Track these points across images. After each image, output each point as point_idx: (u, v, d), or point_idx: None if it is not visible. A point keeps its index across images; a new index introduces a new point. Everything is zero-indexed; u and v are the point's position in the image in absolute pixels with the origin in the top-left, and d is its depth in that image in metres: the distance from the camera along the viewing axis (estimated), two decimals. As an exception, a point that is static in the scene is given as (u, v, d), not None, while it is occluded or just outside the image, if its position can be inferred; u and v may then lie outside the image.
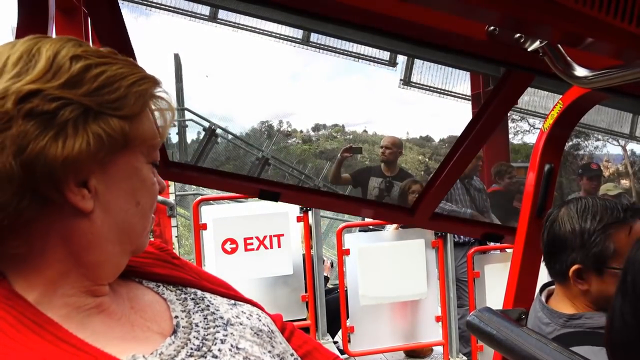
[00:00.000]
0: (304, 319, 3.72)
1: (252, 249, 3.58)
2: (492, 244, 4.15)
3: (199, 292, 0.71)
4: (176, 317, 0.66)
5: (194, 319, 0.66)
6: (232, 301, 0.72)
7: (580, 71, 0.98)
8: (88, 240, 0.59)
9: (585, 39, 0.92)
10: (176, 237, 4.44)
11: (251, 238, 3.58)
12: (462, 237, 4.11)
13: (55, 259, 0.58)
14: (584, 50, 0.94)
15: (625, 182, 16.96)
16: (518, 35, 1.01)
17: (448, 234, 3.82)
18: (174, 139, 10.95)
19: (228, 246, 3.56)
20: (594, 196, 1.34)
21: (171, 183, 4.48)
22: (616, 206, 1.24)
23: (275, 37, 8.54)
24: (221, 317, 0.67)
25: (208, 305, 0.68)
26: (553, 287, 1.32)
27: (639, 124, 9.69)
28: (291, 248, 3.67)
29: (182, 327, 0.64)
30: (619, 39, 0.90)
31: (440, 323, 3.85)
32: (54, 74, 0.56)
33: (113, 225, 0.60)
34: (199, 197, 3.87)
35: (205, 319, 0.66)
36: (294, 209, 3.71)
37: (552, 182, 1.49)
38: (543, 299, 1.30)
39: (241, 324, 0.68)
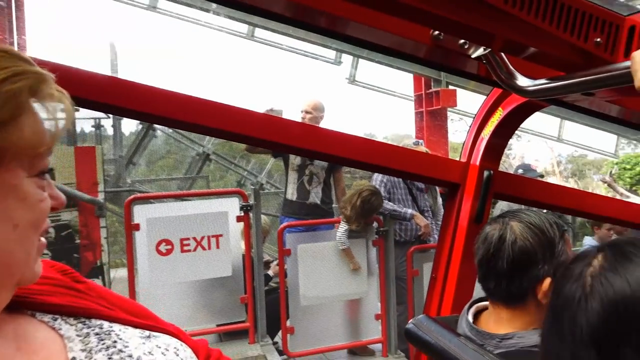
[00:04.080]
0: (243, 321, 3.63)
1: (189, 250, 3.44)
2: (432, 243, 4.24)
3: (106, 325, 0.61)
4: (73, 358, 0.56)
5: (96, 359, 0.57)
6: (147, 333, 0.63)
7: (522, 81, 0.96)
8: None
9: (528, 48, 0.91)
10: (105, 238, 4.18)
11: (188, 239, 3.43)
12: (402, 235, 4.16)
13: None
14: (527, 60, 0.93)
15: (553, 180, 18.10)
16: (462, 41, 0.99)
17: (390, 233, 3.85)
18: (110, 131, 10.42)
19: (163, 247, 3.39)
20: (521, 208, 1.32)
21: (100, 180, 4.22)
22: (548, 214, 1.26)
23: (219, 30, 8.34)
24: (130, 356, 0.58)
25: (115, 342, 0.59)
26: (482, 303, 1.29)
27: (564, 127, 10.53)
28: (230, 249, 3.56)
29: None
30: (561, 49, 0.89)
31: (380, 321, 3.88)
32: None
33: None
34: (132, 195, 3.67)
35: (109, 358, 0.57)
36: (234, 208, 3.60)
37: (491, 188, 1.50)
38: (470, 318, 1.26)
39: None
